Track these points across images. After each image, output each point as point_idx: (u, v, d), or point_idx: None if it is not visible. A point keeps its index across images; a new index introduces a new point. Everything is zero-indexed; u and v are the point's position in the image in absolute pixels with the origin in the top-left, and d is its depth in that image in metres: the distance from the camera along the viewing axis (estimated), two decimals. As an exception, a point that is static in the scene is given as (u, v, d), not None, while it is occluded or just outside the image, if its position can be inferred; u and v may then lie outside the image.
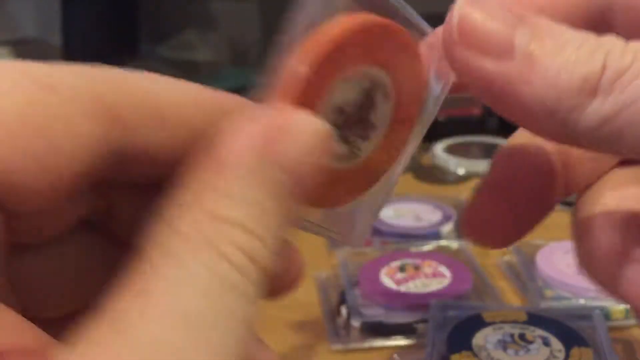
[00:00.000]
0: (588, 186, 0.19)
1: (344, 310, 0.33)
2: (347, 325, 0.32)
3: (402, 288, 0.33)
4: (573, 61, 0.14)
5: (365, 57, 0.17)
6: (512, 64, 0.15)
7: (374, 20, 0.17)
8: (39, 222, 0.15)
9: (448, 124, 0.62)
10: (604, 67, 0.14)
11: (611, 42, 0.15)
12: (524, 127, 0.16)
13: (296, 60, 0.17)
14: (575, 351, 0.27)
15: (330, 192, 0.17)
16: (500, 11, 0.15)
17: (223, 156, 0.13)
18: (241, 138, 0.14)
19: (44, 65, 0.14)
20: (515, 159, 0.19)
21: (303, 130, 0.14)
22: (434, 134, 0.61)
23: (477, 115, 0.62)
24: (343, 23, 0.16)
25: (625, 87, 0.14)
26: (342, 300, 0.33)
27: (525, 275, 0.35)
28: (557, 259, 0.35)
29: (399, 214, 0.43)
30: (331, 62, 0.16)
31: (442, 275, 0.35)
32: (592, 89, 0.14)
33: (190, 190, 0.13)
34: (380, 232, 0.41)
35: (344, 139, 0.17)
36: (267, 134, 0.14)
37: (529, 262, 0.36)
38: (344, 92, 0.16)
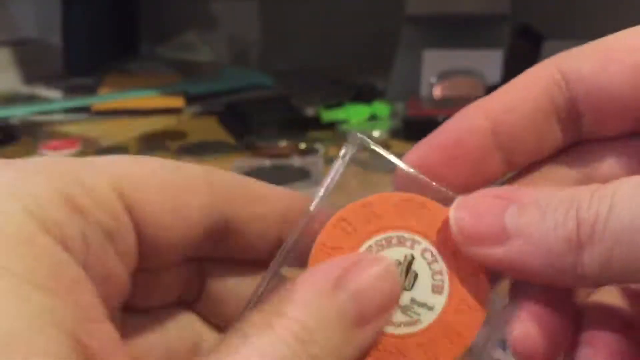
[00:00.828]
0: (528, 165, 0.21)
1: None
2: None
3: None
4: (554, 227, 0.16)
5: (399, 223, 0.19)
6: (510, 245, 0.17)
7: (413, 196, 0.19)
8: (153, 287, 0.20)
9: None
10: (578, 225, 0.16)
11: (580, 196, 0.16)
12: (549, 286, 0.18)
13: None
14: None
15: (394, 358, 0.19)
16: (487, 203, 0.18)
17: (303, 278, 0.17)
18: (320, 269, 0.17)
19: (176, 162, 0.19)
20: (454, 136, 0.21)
21: (372, 264, 0.17)
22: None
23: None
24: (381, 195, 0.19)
25: (602, 236, 0.16)
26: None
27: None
28: None
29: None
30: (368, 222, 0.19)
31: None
32: (577, 244, 0.16)
33: (274, 300, 0.16)
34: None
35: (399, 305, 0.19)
36: (341, 264, 0.17)
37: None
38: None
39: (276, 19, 0.97)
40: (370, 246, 0.19)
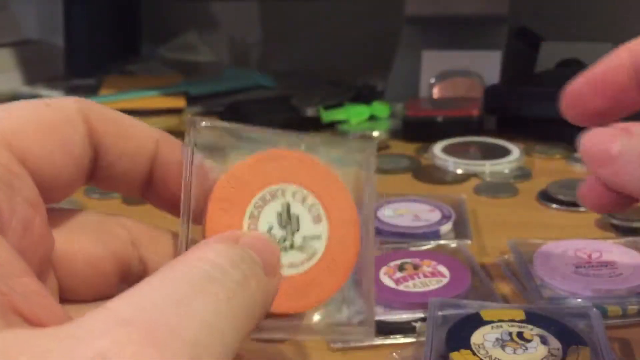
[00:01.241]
0: None
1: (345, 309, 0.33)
2: (347, 323, 0.32)
3: (401, 287, 0.34)
4: None
5: (265, 180, 0.21)
6: (614, 166, 0.23)
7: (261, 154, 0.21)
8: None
9: (447, 124, 0.62)
10: None
11: None
12: None
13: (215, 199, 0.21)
14: (573, 350, 0.27)
15: (310, 292, 0.21)
16: (605, 131, 0.24)
17: (203, 242, 0.18)
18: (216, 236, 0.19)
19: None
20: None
21: (256, 235, 0.20)
22: (433, 134, 0.61)
23: (476, 116, 0.62)
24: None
25: None
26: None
27: (523, 274, 0.35)
28: (555, 259, 0.35)
29: (397, 213, 0.43)
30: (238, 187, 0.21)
31: (441, 275, 0.35)
32: None
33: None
34: (379, 232, 0.41)
35: (293, 246, 0.21)
36: (232, 235, 0.19)
37: (528, 261, 0.36)
38: (267, 214, 0.21)
39: (277, 20, 0.98)
40: (252, 212, 0.21)
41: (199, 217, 0.21)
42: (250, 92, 0.81)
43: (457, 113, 0.63)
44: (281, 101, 0.72)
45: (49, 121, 0.19)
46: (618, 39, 0.81)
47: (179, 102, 0.76)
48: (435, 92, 0.71)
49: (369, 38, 0.89)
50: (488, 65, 0.70)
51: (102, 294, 0.21)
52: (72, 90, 0.82)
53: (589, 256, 0.36)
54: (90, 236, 0.20)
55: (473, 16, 0.75)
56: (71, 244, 0.20)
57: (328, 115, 0.67)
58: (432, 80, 0.72)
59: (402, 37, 0.77)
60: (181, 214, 0.20)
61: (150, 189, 0.22)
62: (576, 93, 0.25)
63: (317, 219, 0.22)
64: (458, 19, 0.75)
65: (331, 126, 0.67)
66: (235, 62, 0.99)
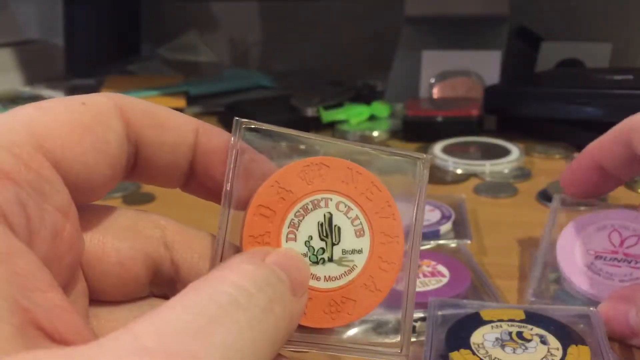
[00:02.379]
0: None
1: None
2: (347, 324, 0.32)
3: (401, 287, 0.34)
4: None
5: (308, 189, 0.20)
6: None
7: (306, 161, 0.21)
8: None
9: (447, 124, 0.62)
10: None
11: None
12: None
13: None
14: (572, 349, 0.27)
15: (345, 307, 0.20)
16: (614, 307, 0.30)
17: (230, 259, 0.18)
18: (244, 253, 0.19)
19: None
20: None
21: (287, 252, 0.19)
22: (433, 134, 0.61)
23: (476, 116, 0.62)
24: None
25: None
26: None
27: (523, 274, 0.35)
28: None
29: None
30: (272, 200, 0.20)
31: (441, 274, 0.35)
32: None
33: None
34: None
35: (332, 259, 0.21)
36: (260, 252, 0.19)
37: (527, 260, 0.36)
38: (307, 223, 0.20)
39: (276, 20, 0.98)
40: (292, 220, 0.20)
41: (239, 220, 0.20)
42: (250, 92, 0.81)
43: (457, 113, 0.63)
44: (281, 101, 0.72)
45: (84, 121, 0.18)
46: (618, 39, 0.81)
47: (179, 102, 0.76)
48: (435, 92, 0.71)
49: (369, 38, 0.89)
50: (488, 65, 0.70)
51: (131, 295, 0.20)
52: (72, 91, 0.82)
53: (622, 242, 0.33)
54: (123, 236, 0.20)
55: (473, 16, 0.75)
56: (102, 245, 0.19)
57: (328, 115, 0.67)
58: (432, 80, 0.72)
59: (402, 37, 0.77)
60: (219, 218, 0.20)
61: (192, 180, 0.21)
62: (567, 182, 0.35)
63: (359, 233, 0.21)
64: (458, 19, 0.75)
65: (331, 126, 0.67)
66: (235, 62, 0.99)
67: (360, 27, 0.90)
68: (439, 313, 0.30)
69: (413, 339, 0.31)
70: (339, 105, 0.70)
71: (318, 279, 0.20)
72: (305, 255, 0.20)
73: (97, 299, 0.20)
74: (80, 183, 0.18)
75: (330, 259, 0.20)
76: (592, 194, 0.35)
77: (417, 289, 0.34)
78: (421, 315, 0.31)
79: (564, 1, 0.81)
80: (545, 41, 0.77)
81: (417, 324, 0.31)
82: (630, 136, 0.31)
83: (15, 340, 0.13)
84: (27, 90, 0.84)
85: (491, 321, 0.29)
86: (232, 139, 0.20)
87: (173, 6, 0.99)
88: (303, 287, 0.18)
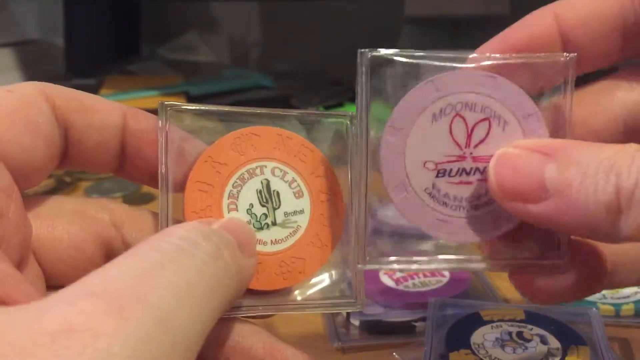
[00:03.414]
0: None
1: (343, 309, 0.33)
2: (347, 323, 0.32)
3: (401, 287, 0.34)
4: (593, 191, 0.17)
5: (242, 159, 0.21)
6: (548, 203, 0.18)
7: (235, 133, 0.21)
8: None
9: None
10: (617, 191, 0.17)
11: (620, 161, 0.17)
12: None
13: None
14: (572, 349, 0.27)
15: (295, 267, 0.21)
16: (526, 157, 0.19)
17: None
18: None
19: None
20: None
21: (230, 218, 0.20)
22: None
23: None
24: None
25: (638, 202, 0.17)
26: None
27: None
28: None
29: (397, 213, 0.43)
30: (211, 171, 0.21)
31: (441, 274, 0.35)
32: (615, 209, 0.17)
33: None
34: (379, 232, 0.41)
35: (275, 223, 0.21)
36: (206, 221, 0.19)
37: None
38: (246, 192, 0.21)
39: (276, 20, 0.97)
40: (230, 192, 0.21)
41: (179, 199, 0.21)
42: (250, 92, 0.81)
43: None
44: (281, 101, 0.72)
45: (14, 106, 0.19)
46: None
47: (179, 102, 0.75)
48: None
49: (369, 38, 0.89)
50: (488, 65, 0.70)
51: None
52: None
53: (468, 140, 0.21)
54: (72, 220, 0.20)
55: (473, 16, 0.75)
56: (53, 230, 0.20)
57: (328, 115, 0.67)
58: (432, 80, 0.72)
59: (402, 37, 0.77)
60: (160, 198, 0.20)
61: (125, 163, 0.22)
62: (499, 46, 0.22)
63: (298, 194, 0.22)
64: (458, 19, 0.75)
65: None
66: (235, 62, 0.99)
67: (360, 27, 0.90)
68: (439, 313, 0.30)
69: (413, 340, 0.31)
70: (339, 105, 0.70)
71: (265, 243, 0.21)
72: (248, 222, 0.21)
73: (55, 286, 0.20)
74: (19, 165, 0.18)
75: (274, 223, 0.21)
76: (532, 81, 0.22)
77: (418, 289, 0.34)
78: (421, 315, 0.31)
79: (564, 1, 0.81)
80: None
81: (417, 324, 0.31)
82: None
83: None
84: (27, 90, 0.84)
85: (491, 321, 0.29)
86: (160, 122, 0.21)
87: (173, 6, 0.99)
88: (250, 247, 0.19)
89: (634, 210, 0.17)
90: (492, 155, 0.20)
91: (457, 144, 0.20)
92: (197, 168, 0.21)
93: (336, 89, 0.75)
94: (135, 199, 0.50)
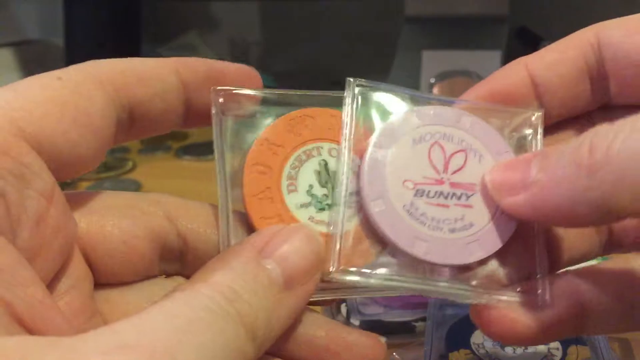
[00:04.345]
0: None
1: (343, 309, 0.33)
2: (347, 323, 0.32)
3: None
4: (569, 153, 0.18)
5: (298, 140, 0.21)
6: (532, 188, 0.19)
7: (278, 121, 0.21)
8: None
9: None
10: (590, 149, 0.17)
11: (599, 127, 0.17)
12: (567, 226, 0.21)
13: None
14: (572, 349, 0.27)
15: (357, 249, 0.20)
16: (516, 159, 0.20)
17: (227, 252, 0.18)
18: (244, 241, 0.18)
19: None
20: None
21: (292, 232, 0.18)
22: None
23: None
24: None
25: (614, 159, 0.16)
26: (342, 299, 0.33)
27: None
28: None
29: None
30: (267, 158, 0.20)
31: (441, 274, 0.35)
32: (589, 168, 0.17)
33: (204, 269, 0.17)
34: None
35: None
36: (264, 236, 0.18)
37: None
38: (305, 173, 0.21)
39: (276, 20, 0.98)
40: (289, 173, 0.21)
41: (237, 182, 0.20)
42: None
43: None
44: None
45: (62, 97, 0.18)
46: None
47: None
48: (435, 92, 0.71)
49: (369, 38, 0.89)
50: (488, 65, 0.70)
51: (141, 274, 0.20)
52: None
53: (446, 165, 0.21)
54: (123, 215, 0.20)
55: (473, 16, 0.75)
56: (103, 226, 0.19)
57: (328, 115, 0.67)
58: (432, 80, 0.72)
59: (402, 37, 0.77)
60: (217, 183, 0.20)
61: (190, 115, 0.21)
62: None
63: (357, 173, 0.21)
64: (458, 19, 0.75)
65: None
66: (235, 62, 0.99)
67: (360, 27, 0.90)
68: (439, 313, 0.30)
69: (413, 340, 0.31)
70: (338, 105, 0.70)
71: (327, 225, 0.20)
72: (309, 204, 0.20)
73: (106, 282, 0.20)
74: (67, 159, 0.18)
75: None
76: None
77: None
78: (421, 315, 0.31)
79: (564, 1, 0.81)
80: (545, 41, 0.77)
81: (418, 324, 0.31)
82: (599, 38, 0.22)
83: None
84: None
85: (491, 321, 0.29)
86: (213, 107, 0.20)
87: (173, 6, 0.99)
88: (306, 276, 0.18)
89: (608, 168, 0.16)
90: (470, 183, 0.21)
91: (435, 168, 0.21)
92: (254, 151, 0.20)
93: (336, 90, 0.74)
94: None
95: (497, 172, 0.20)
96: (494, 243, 0.20)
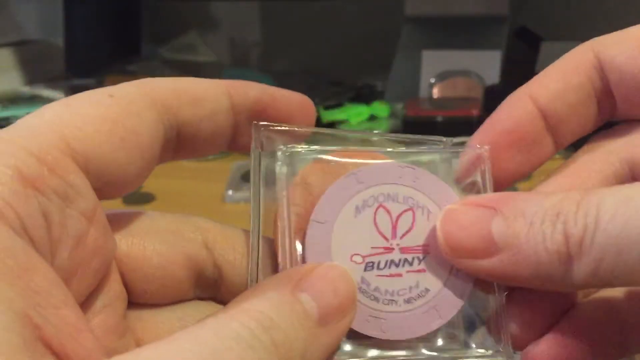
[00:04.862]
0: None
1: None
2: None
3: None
4: (542, 240, 0.17)
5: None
6: (500, 257, 0.18)
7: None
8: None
9: (447, 124, 0.62)
10: (566, 239, 0.17)
11: (566, 208, 0.17)
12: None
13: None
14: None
15: None
16: (471, 213, 0.19)
17: (264, 282, 0.18)
18: (280, 274, 0.18)
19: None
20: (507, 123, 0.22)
21: (328, 269, 0.18)
22: (432, 134, 0.61)
23: (476, 116, 0.62)
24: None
25: (590, 249, 0.17)
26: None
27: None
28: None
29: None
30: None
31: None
32: (567, 257, 0.17)
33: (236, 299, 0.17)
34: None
35: None
36: (300, 271, 0.18)
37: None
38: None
39: (276, 20, 0.98)
40: None
41: (273, 215, 0.20)
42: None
43: (457, 113, 0.63)
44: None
45: (112, 115, 0.18)
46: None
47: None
48: (435, 92, 0.71)
49: (369, 38, 0.89)
50: (488, 65, 0.70)
51: (175, 298, 0.20)
52: (72, 90, 0.82)
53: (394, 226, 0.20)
54: (163, 240, 0.20)
55: (473, 16, 0.75)
56: (143, 249, 0.19)
57: (328, 115, 0.67)
58: (432, 80, 0.72)
59: (402, 37, 0.77)
60: (251, 226, 0.19)
61: (237, 138, 0.21)
62: (494, 153, 0.22)
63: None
64: (458, 19, 0.75)
65: (331, 126, 0.67)
66: (235, 62, 0.99)
67: (360, 27, 0.90)
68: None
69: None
70: (339, 105, 0.70)
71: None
72: None
73: (140, 302, 0.20)
74: (112, 178, 0.18)
75: None
76: (524, 163, 0.22)
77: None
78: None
79: (564, 1, 0.81)
80: (545, 41, 0.77)
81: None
82: (600, 59, 0.21)
83: (23, 353, 0.13)
84: (27, 90, 0.84)
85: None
86: (253, 143, 0.20)
87: (173, 6, 0.99)
88: (340, 312, 0.17)
89: (585, 257, 0.17)
90: (419, 246, 0.19)
91: (383, 235, 0.19)
92: (290, 190, 0.19)
93: (336, 89, 0.75)
94: (135, 199, 0.51)
95: (450, 227, 0.19)
96: (452, 306, 0.19)
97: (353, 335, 0.19)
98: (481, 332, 0.20)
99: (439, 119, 0.63)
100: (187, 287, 0.20)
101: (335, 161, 0.20)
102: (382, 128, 0.66)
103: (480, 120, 0.72)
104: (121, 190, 0.18)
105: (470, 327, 0.20)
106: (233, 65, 0.97)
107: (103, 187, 0.18)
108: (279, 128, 0.20)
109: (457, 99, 0.68)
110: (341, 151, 0.20)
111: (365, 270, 0.19)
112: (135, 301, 0.20)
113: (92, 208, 0.17)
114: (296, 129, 0.20)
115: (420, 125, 0.63)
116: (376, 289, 0.19)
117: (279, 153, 0.20)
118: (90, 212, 0.17)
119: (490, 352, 0.20)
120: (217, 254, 0.20)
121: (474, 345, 0.20)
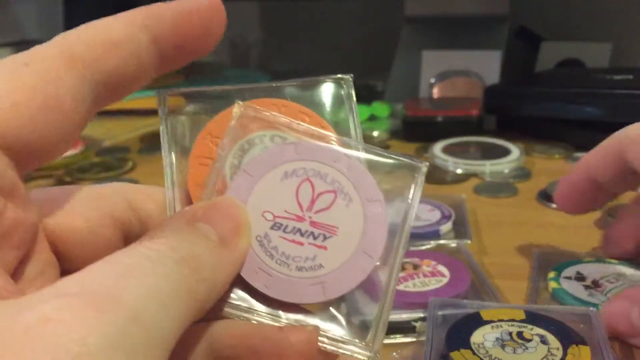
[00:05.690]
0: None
1: (343, 308, 0.33)
2: (348, 322, 0.32)
3: (401, 287, 0.34)
4: None
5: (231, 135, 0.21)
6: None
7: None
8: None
9: (447, 124, 0.62)
10: None
11: None
12: None
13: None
14: (573, 349, 0.27)
15: None
16: (618, 306, 0.30)
17: (165, 219, 0.19)
18: (180, 211, 0.20)
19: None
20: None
21: (220, 203, 0.20)
22: (433, 134, 0.61)
23: (476, 116, 0.62)
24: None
25: None
26: (342, 298, 0.33)
27: (523, 273, 0.35)
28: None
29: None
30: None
31: (441, 274, 0.35)
32: None
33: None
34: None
35: None
36: (199, 206, 0.19)
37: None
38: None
39: (276, 20, 0.98)
40: (232, 163, 0.21)
41: (184, 176, 0.21)
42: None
43: (457, 113, 0.63)
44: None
45: (29, 83, 0.17)
46: (618, 39, 0.81)
47: (179, 102, 0.75)
48: (435, 92, 0.71)
49: (369, 38, 0.89)
50: (488, 65, 0.70)
51: None
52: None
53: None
54: (89, 206, 0.21)
55: (473, 16, 0.75)
56: (71, 217, 0.20)
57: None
58: (432, 80, 0.72)
59: (402, 37, 0.77)
60: (165, 179, 0.21)
61: (163, 62, 0.21)
62: (561, 197, 0.36)
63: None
64: (458, 19, 0.75)
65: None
66: (235, 62, 0.99)
67: (360, 27, 0.90)
68: (439, 313, 0.30)
69: (413, 339, 0.31)
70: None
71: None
72: None
73: (75, 268, 0.20)
74: (36, 148, 0.18)
75: None
76: (588, 208, 0.36)
77: (418, 289, 0.34)
78: (421, 315, 0.31)
79: (564, 1, 0.81)
80: (545, 41, 0.77)
81: (418, 324, 0.31)
82: (624, 149, 0.31)
83: None
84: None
85: (491, 321, 0.29)
86: (160, 110, 0.21)
87: (173, 6, 0.99)
88: (236, 233, 0.19)
89: None
90: (330, 225, 0.20)
91: (300, 204, 0.20)
92: (197, 144, 0.21)
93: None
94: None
95: (606, 317, 0.30)
96: (338, 289, 0.20)
97: (243, 287, 0.20)
98: (359, 324, 0.20)
99: (439, 119, 0.63)
100: (118, 247, 0.21)
101: (253, 113, 0.21)
102: (382, 128, 0.66)
103: (479, 120, 0.72)
104: (51, 157, 0.18)
105: (351, 315, 0.20)
106: (233, 65, 0.97)
107: (27, 159, 0.18)
108: (180, 91, 0.22)
109: (457, 99, 0.68)
110: (258, 101, 0.22)
111: (271, 228, 0.20)
112: (70, 268, 0.20)
113: (10, 184, 0.17)
114: (197, 90, 0.22)
115: (421, 125, 0.63)
116: (274, 247, 0.20)
117: (184, 117, 0.22)
118: (7, 187, 0.17)
119: (361, 344, 0.20)
120: (141, 211, 0.22)
121: (349, 334, 0.20)
